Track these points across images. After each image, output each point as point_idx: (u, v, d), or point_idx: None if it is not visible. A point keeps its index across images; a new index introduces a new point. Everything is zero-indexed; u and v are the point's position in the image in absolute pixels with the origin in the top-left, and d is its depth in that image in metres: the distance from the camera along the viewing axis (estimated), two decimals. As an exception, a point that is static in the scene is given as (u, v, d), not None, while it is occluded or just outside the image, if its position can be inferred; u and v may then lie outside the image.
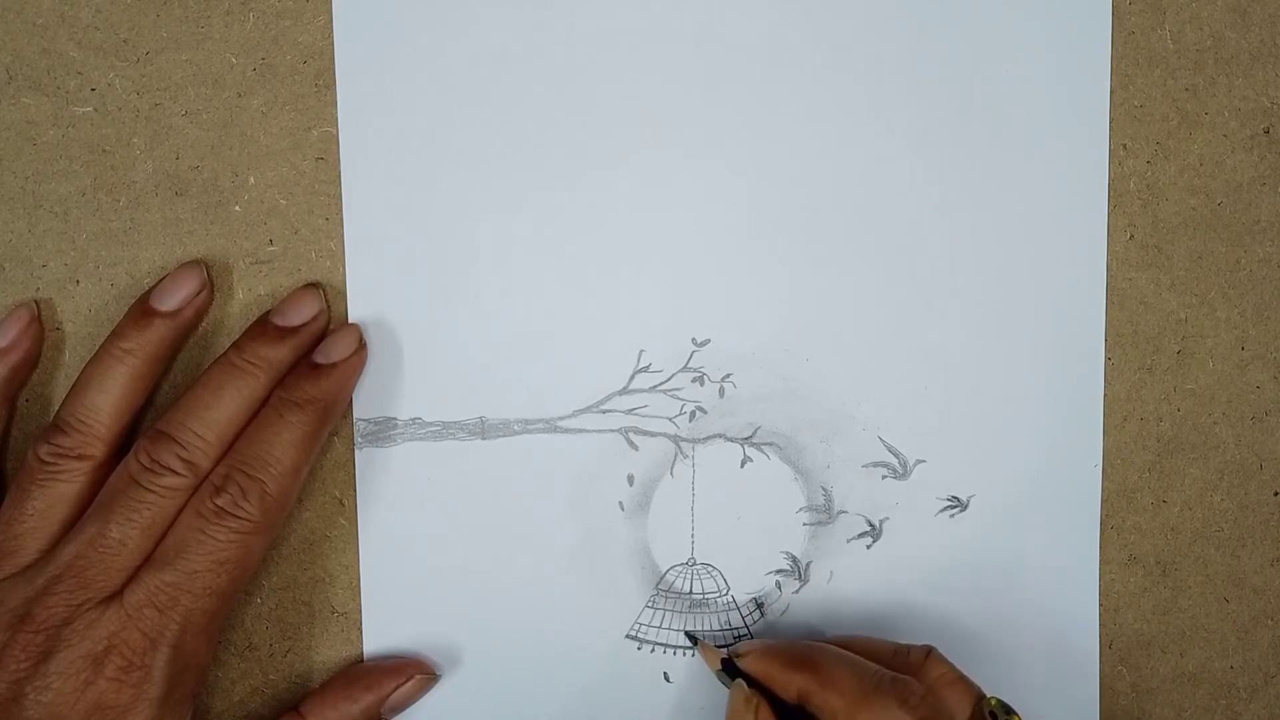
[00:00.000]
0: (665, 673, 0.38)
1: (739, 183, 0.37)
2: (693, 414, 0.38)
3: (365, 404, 0.37)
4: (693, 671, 0.38)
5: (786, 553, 0.39)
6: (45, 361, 0.36)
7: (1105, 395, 0.39)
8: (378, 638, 0.37)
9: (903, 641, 0.36)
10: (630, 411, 0.38)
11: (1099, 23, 0.38)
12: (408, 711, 0.37)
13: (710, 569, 0.38)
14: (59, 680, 0.30)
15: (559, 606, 0.38)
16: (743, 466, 0.38)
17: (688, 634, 0.38)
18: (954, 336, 0.39)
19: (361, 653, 0.37)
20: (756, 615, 0.39)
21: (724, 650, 0.37)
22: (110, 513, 0.31)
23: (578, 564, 0.38)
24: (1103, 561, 0.40)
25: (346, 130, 0.36)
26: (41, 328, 0.35)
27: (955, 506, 0.39)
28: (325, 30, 0.36)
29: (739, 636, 0.39)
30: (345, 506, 0.37)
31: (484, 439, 0.37)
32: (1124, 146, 0.39)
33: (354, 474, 0.37)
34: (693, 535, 0.38)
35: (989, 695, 0.34)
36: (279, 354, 0.34)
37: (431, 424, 0.37)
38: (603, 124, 0.37)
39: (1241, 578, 0.41)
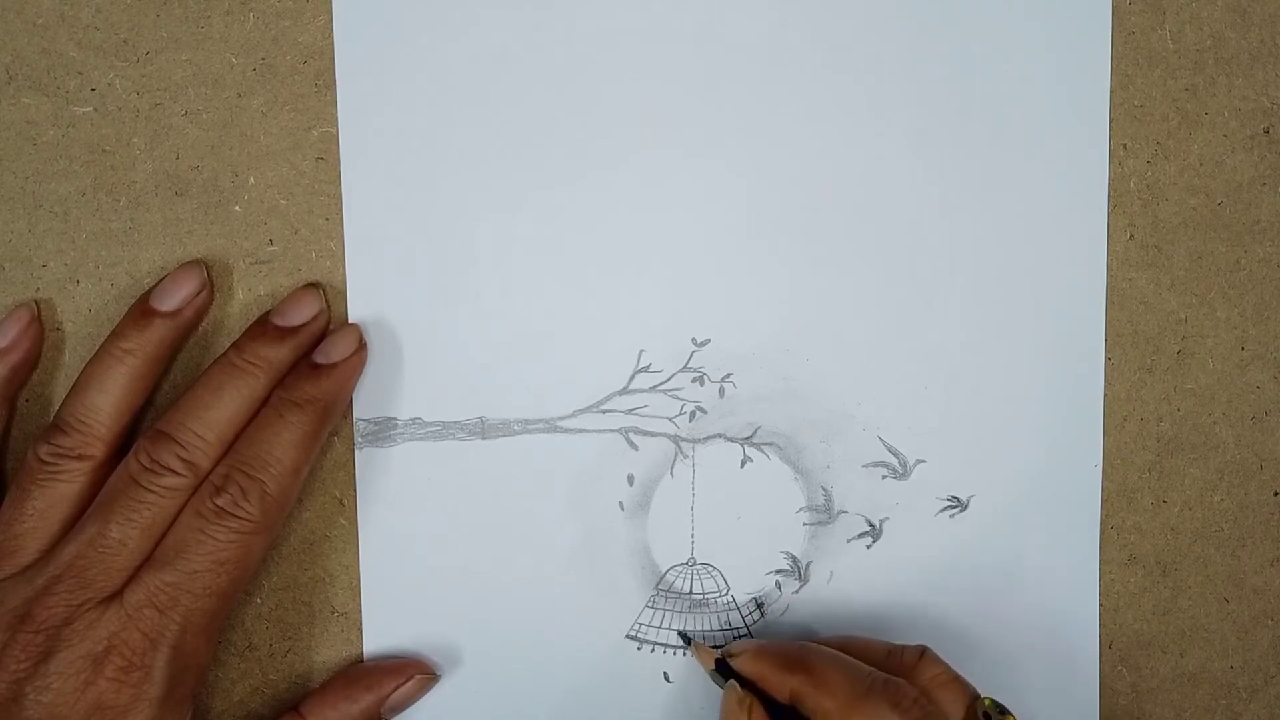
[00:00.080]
0: (665, 673, 0.38)
1: (739, 183, 0.37)
2: (693, 414, 0.38)
3: (365, 404, 0.37)
4: (693, 672, 0.38)
5: (786, 553, 0.39)
6: (45, 361, 0.36)
7: (1105, 395, 0.39)
8: (378, 638, 0.37)
9: (901, 641, 0.36)
10: (630, 411, 0.38)
11: (1099, 23, 0.38)
12: (408, 711, 0.37)
13: (710, 569, 0.39)
14: (59, 680, 0.30)
15: (559, 606, 0.38)
16: (743, 466, 0.38)
17: (681, 634, 0.38)
18: (954, 336, 0.39)
19: (361, 653, 0.37)
20: (756, 615, 0.39)
21: (718, 651, 0.37)
22: (110, 513, 0.31)
23: (578, 564, 0.38)
24: (1103, 561, 0.40)
25: (346, 130, 0.36)
26: (41, 328, 0.35)
27: (955, 506, 0.39)
28: (325, 30, 0.36)
29: (739, 637, 0.39)
30: (345, 506, 0.37)
31: (484, 439, 0.37)
32: (1124, 146, 0.39)
33: (354, 474, 0.37)
34: (693, 535, 0.38)
35: (983, 696, 0.34)
36: (279, 354, 0.34)
37: (431, 424, 0.37)
38: (603, 124, 0.37)
39: (1241, 578, 0.41)
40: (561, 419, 0.37)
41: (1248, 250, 0.40)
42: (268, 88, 0.36)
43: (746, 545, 0.39)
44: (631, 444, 0.38)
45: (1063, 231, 0.39)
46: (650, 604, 0.38)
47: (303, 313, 0.35)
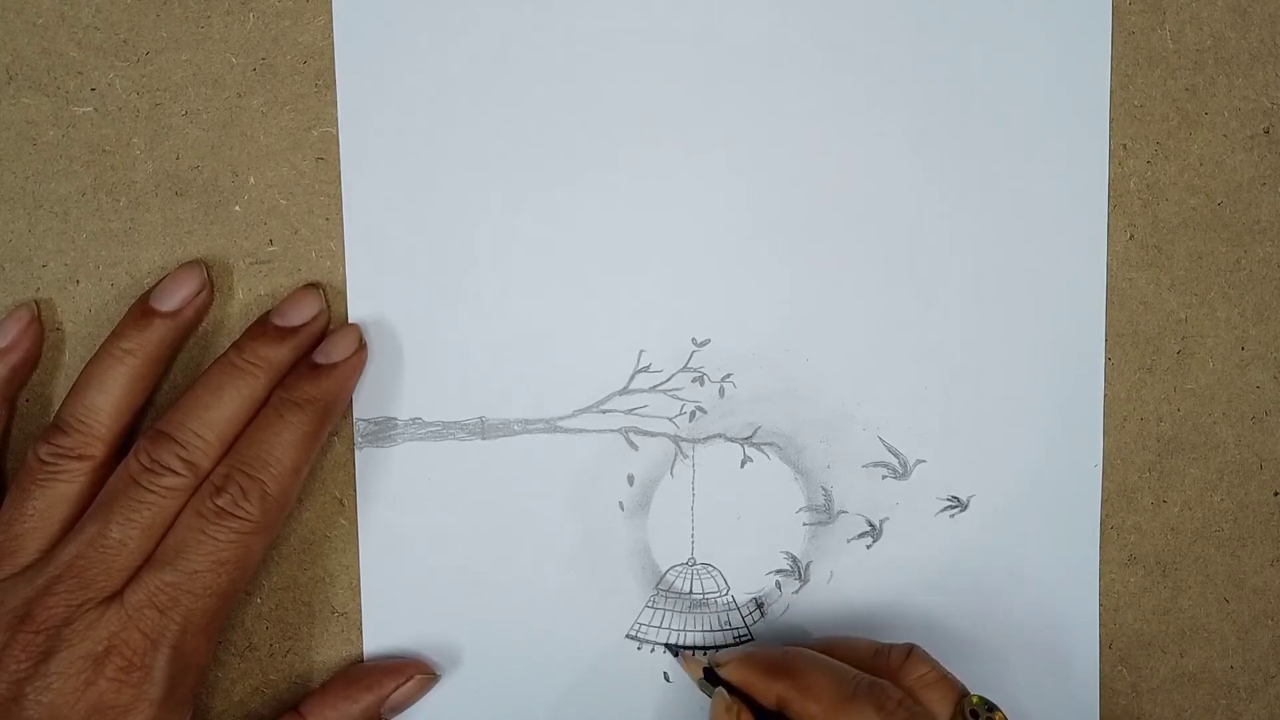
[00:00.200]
0: (665, 673, 0.38)
1: (739, 183, 0.37)
2: (693, 414, 0.38)
3: (365, 404, 0.37)
4: (693, 671, 0.38)
5: (786, 553, 0.39)
6: (45, 361, 0.36)
7: (1105, 395, 0.39)
8: (378, 638, 0.37)
9: (900, 641, 0.36)
10: (630, 411, 0.38)
11: (1099, 23, 0.38)
12: (408, 711, 0.37)
13: (710, 569, 0.39)
14: (59, 680, 0.30)
15: (559, 606, 0.38)
16: (743, 466, 0.38)
17: (668, 647, 0.38)
18: (954, 336, 0.39)
19: (361, 653, 0.37)
20: (756, 615, 0.39)
21: (704, 660, 0.37)
22: (110, 513, 0.31)
23: (578, 564, 0.38)
24: (1103, 561, 0.40)
25: (346, 130, 0.36)
26: (41, 328, 0.35)
27: (955, 506, 0.39)
28: (325, 30, 0.36)
29: (739, 637, 0.39)
30: (345, 506, 0.37)
31: (484, 439, 0.37)
32: (1124, 146, 0.39)
33: (354, 474, 0.37)
34: (693, 535, 0.38)
35: (971, 693, 0.34)
36: (279, 354, 0.34)
37: (431, 424, 0.37)
38: (603, 123, 0.37)
39: (1241, 578, 0.41)
40: (561, 419, 0.37)
41: (1248, 250, 0.40)
42: (268, 88, 0.36)
43: (746, 545, 0.39)
44: (631, 444, 0.38)
45: (1063, 231, 0.39)
46: (650, 604, 0.38)
47: (303, 313, 0.35)
